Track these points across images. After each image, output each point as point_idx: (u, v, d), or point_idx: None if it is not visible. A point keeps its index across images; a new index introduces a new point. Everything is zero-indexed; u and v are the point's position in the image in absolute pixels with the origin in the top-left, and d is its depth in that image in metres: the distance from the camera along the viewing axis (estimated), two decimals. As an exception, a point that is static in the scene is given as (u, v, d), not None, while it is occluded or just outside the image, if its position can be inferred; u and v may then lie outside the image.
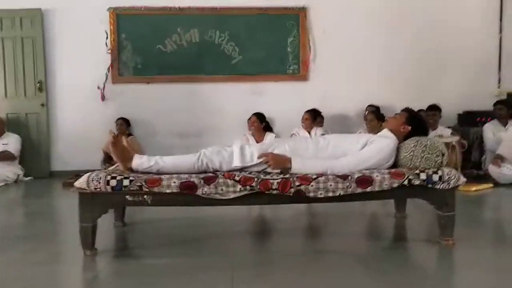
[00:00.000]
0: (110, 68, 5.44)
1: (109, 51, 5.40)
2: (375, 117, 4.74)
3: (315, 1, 5.53)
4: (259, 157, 2.34)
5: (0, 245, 2.53)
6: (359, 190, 2.23)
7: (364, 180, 2.23)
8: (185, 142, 5.41)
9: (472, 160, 5.02)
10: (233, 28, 5.52)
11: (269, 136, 5.08)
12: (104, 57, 5.42)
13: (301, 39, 5.56)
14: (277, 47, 5.55)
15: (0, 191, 4.52)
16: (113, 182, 2.22)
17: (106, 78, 5.43)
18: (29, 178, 5.20)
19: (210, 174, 2.28)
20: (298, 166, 2.30)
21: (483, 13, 5.76)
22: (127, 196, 2.24)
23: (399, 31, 5.64)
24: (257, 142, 5.05)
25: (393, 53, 5.65)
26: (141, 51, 5.51)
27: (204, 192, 2.21)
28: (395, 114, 2.71)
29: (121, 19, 5.46)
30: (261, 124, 5.14)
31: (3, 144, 5.09)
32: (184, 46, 5.52)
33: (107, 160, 4.95)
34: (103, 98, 5.44)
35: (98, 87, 5.41)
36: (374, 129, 4.88)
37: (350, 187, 2.22)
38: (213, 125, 5.53)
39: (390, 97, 5.53)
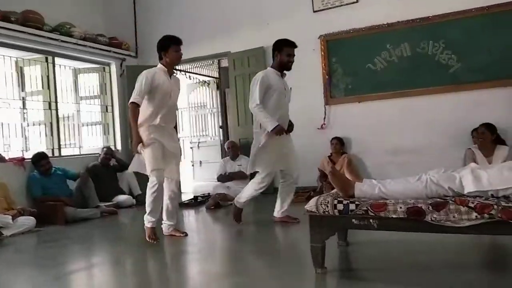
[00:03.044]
0: (324, 91, 5.76)
1: (323, 75, 5.74)
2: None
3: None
4: None
5: (244, 256, 2.95)
6: None
7: None
8: (400, 159, 5.26)
9: None
10: (449, 36, 5.12)
11: (501, 150, 4.47)
12: (318, 82, 5.78)
13: (536, 36, 4.75)
14: (505, 49, 4.87)
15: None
16: (340, 206, 2.34)
17: (325, 109, 5.77)
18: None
19: (439, 200, 2.17)
20: None
21: None
22: (353, 220, 2.33)
23: None
24: (485, 156, 4.51)
25: None
26: (351, 71, 5.67)
27: (433, 219, 2.12)
28: None
29: (330, 45, 5.75)
30: (492, 136, 4.58)
31: (238, 165, 5.94)
32: (395, 61, 5.42)
33: (323, 177, 5.25)
34: (323, 126, 5.78)
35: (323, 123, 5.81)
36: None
37: None
38: (430, 141, 5.21)
39: None
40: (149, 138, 3.45)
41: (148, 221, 3.51)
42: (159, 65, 3.59)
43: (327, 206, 2.37)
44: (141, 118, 3.49)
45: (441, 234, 2.16)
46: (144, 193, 3.70)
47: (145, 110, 3.51)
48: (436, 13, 5.14)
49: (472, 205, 2.05)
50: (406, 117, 5.36)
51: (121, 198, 5.68)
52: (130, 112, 3.47)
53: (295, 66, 5.35)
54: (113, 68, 6.88)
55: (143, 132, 3.47)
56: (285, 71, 3.93)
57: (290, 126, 3.99)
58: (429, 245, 2.82)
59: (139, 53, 7.12)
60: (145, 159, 3.49)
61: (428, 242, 2.85)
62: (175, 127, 3.87)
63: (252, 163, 3.92)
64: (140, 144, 3.45)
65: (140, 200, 5.65)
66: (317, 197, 2.48)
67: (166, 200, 3.61)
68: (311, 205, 2.44)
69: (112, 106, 6.88)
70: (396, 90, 5.41)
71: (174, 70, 3.81)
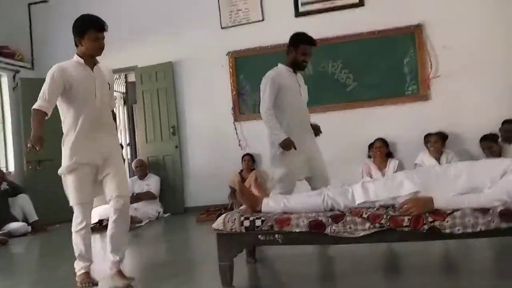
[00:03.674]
0: (233, 107, 5.85)
1: (231, 92, 5.83)
2: (493, 143, 4.51)
3: (430, 16, 5.27)
4: (398, 210, 2.21)
5: (152, 281, 2.85)
6: (504, 225, 2.03)
7: (510, 213, 2.03)
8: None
9: None
10: (346, 56, 5.53)
11: (392, 163, 4.90)
12: (227, 98, 5.85)
13: (418, 57, 5.32)
14: (393, 69, 5.38)
15: (146, 228, 5.09)
16: (247, 223, 2.37)
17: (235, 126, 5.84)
18: (167, 214, 5.77)
19: (338, 212, 2.30)
20: (441, 206, 2.16)
21: None
22: (259, 236, 2.37)
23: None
24: (379, 169, 4.90)
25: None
26: (257, 89, 5.79)
27: (332, 231, 2.23)
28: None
29: (239, 61, 5.87)
30: (386, 150, 4.99)
31: (146, 185, 5.75)
32: (299, 79, 5.69)
33: (234, 194, 5.28)
34: (240, 144, 5.84)
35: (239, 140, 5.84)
36: (495, 155, 4.43)
37: (493, 221, 2.03)
38: (332, 155, 5.49)
39: None
40: (70, 163, 2.67)
41: (78, 268, 2.74)
42: (75, 56, 2.77)
43: (234, 223, 2.38)
44: (64, 133, 2.75)
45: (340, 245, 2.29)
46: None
47: (65, 121, 2.75)
48: (335, 35, 5.51)
49: (365, 216, 2.20)
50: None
51: (13, 225, 5.13)
52: (31, 118, 2.64)
53: (205, 81, 5.39)
54: (4, 80, 6.28)
55: (64, 153, 2.71)
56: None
57: (316, 130, 3.58)
58: (330, 256, 2.96)
59: (36, 65, 6.60)
60: (67, 188, 2.74)
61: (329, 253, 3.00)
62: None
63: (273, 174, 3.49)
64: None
65: (36, 227, 5.20)
66: (224, 215, 2.48)
67: (109, 225, 2.80)
68: (218, 223, 2.44)
69: (4, 123, 6.26)
70: (301, 106, 5.66)
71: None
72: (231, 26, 5.93)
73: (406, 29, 5.33)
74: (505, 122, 4.79)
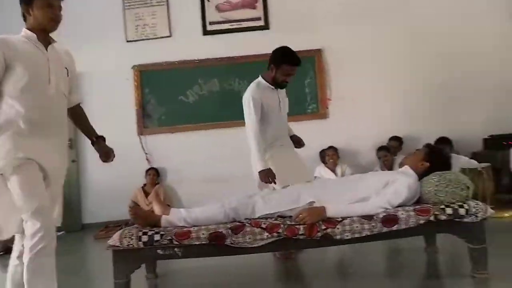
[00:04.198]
0: (138, 121, 5.70)
1: (136, 105, 5.69)
2: (387, 152, 4.98)
3: (329, 42, 5.69)
4: (294, 219, 2.31)
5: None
6: (385, 230, 2.24)
7: (390, 219, 2.24)
8: (213, 188, 5.48)
9: (503, 184, 4.90)
10: (252, 75, 5.68)
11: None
12: (131, 111, 5.69)
13: (318, 79, 5.70)
14: (295, 89, 5.67)
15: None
16: (145, 238, 2.31)
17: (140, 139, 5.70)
18: (61, 232, 5.34)
19: (238, 223, 2.35)
20: (333, 214, 2.32)
21: (502, 38, 5.77)
22: (158, 250, 2.32)
23: (418, 61, 5.67)
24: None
25: (414, 84, 5.68)
26: (164, 103, 5.76)
27: (232, 242, 2.27)
28: (416, 150, 2.73)
29: (144, 75, 5.76)
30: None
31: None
32: (206, 95, 5.75)
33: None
34: (148, 159, 5.68)
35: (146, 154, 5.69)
36: (388, 165, 4.95)
37: (376, 227, 2.24)
38: (238, 170, 5.61)
39: (415, 129, 5.50)
40: (15, 157, 2.02)
41: None
42: (23, 30, 2.21)
43: (132, 239, 2.31)
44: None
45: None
46: None
47: (5, 108, 2.08)
48: (241, 54, 5.68)
49: (264, 226, 2.27)
50: (218, 147, 5.67)
51: None
52: None
53: (108, 94, 5.16)
54: None
55: (2, 146, 2.04)
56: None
57: (298, 142, 3.43)
58: (232, 267, 2.99)
59: None
60: (14, 194, 2.03)
61: (229, 264, 3.02)
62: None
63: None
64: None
65: None
66: (121, 230, 2.40)
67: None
68: (114, 239, 2.35)
69: None
70: (208, 122, 5.71)
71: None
72: (137, 40, 5.82)
73: (307, 52, 5.66)
74: (391, 139, 5.38)
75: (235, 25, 5.78)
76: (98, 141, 2.52)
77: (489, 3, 5.73)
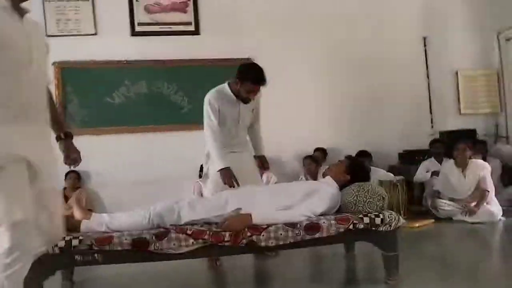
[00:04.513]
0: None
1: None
2: (313, 161, 5.13)
3: (258, 51, 5.78)
4: (220, 226, 2.31)
5: None
6: (308, 237, 2.32)
7: (312, 227, 2.33)
8: (138, 192, 5.29)
9: (415, 196, 5.30)
10: (181, 79, 5.64)
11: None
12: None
13: (247, 87, 5.77)
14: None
15: None
16: (62, 243, 2.17)
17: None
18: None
19: (162, 230, 2.29)
20: (258, 221, 2.34)
21: (413, 59, 6.29)
22: (76, 256, 2.20)
23: (340, 74, 5.94)
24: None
25: (335, 96, 5.96)
26: (88, 103, 5.48)
27: (156, 248, 2.21)
28: (338, 161, 2.88)
29: (66, 73, 5.44)
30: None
31: None
32: (133, 98, 5.56)
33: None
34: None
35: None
36: (313, 174, 5.14)
37: (300, 234, 2.31)
38: (166, 173, 5.49)
39: (339, 141, 5.75)
40: None
41: None
42: None
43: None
44: None
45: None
46: None
47: None
48: (170, 58, 5.59)
49: (189, 232, 2.25)
50: (144, 151, 5.51)
51: None
52: None
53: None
54: None
55: None
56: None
57: (262, 167, 3.34)
58: (155, 274, 2.92)
59: None
60: None
61: (151, 271, 2.95)
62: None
63: None
64: None
65: None
66: (35, 236, 2.23)
67: None
68: (26, 245, 2.17)
69: None
70: (134, 125, 5.51)
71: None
72: (58, 35, 5.48)
73: (236, 61, 5.70)
74: (316, 150, 5.60)
75: (165, 28, 5.66)
76: (67, 139, 2.11)
77: (404, 26, 6.23)
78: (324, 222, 2.35)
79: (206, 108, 3.10)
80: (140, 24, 5.64)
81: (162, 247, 2.21)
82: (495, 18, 6.22)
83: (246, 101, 3.09)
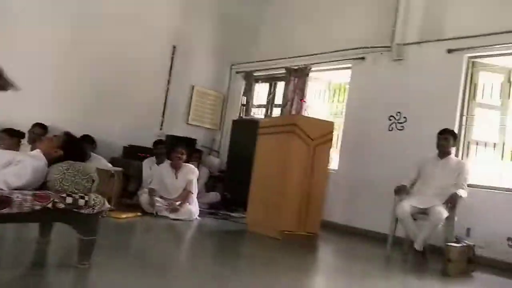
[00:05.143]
0: None
1: None
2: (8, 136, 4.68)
3: None
4: None
5: None
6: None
7: (1, 201, 2.03)
8: None
9: (129, 190, 5.40)
10: None
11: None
12: None
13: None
14: None
15: None
16: None
17: None
18: None
19: None
20: None
21: (159, 65, 6.54)
22: None
23: (80, 54, 5.63)
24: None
25: (71, 77, 5.59)
26: None
27: None
28: (54, 135, 2.63)
29: None
30: None
31: None
32: None
33: None
34: None
35: None
36: (10, 147, 4.60)
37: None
38: None
39: (63, 120, 5.22)
40: None
41: None
42: None
43: None
44: None
45: None
46: None
47: None
48: None
49: None
50: None
51: None
52: None
53: None
54: None
55: None
56: None
57: None
58: None
59: None
60: None
61: None
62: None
63: None
64: None
65: None
66: None
67: None
68: None
69: None
70: None
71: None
72: None
73: None
74: (35, 125, 5.05)
75: None
76: None
77: (158, 33, 6.44)
78: (18, 196, 2.08)
79: None
80: None
81: None
82: (233, 53, 7.24)
83: None
